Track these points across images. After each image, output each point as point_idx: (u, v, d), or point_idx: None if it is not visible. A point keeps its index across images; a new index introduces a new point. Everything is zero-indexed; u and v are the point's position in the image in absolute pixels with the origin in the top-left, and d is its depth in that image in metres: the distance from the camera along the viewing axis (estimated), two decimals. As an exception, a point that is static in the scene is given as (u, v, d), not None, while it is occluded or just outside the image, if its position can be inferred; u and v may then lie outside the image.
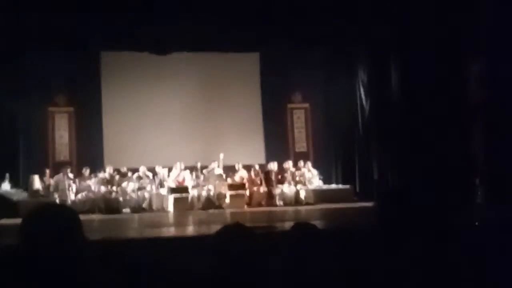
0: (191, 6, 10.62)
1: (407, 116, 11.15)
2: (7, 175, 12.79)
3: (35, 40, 12.22)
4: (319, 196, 13.22)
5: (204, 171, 13.39)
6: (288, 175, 13.56)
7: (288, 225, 8.93)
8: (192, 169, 13.41)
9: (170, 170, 13.36)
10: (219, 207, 12.69)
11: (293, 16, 11.25)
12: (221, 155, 13.49)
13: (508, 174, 8.71)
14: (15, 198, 12.14)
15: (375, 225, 2.60)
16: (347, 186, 13.77)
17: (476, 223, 5.85)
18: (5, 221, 9.93)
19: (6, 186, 12.71)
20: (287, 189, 13.26)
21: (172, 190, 12.60)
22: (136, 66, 14.73)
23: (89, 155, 14.25)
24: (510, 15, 8.44)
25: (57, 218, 1.91)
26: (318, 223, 8.88)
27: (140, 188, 12.80)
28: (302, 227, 2.75)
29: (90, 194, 12.61)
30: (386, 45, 12.44)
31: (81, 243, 1.90)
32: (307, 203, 12.95)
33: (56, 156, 14.41)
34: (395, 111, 11.99)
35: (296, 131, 15.92)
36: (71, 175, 12.82)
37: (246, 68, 15.68)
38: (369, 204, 11.70)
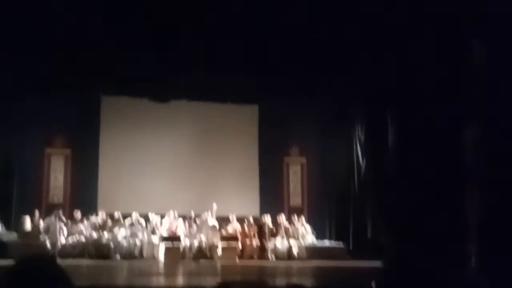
0: (192, 56, 10.78)
1: (402, 177, 11.17)
2: (-2, 215, 12.69)
3: (35, 82, 12.35)
4: (312, 252, 13.12)
5: (197, 220, 13.30)
6: (281, 229, 13.47)
7: (279, 281, 8.83)
8: (185, 217, 13.32)
9: (163, 217, 13.27)
10: (211, 258, 12.55)
11: (292, 67, 11.40)
12: (214, 205, 13.43)
13: (502, 240, 8.66)
14: (5, 238, 12.01)
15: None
16: (340, 244, 13.66)
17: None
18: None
19: (-2, 226, 12.60)
20: (280, 243, 13.16)
21: (164, 239, 12.48)
22: (135, 111, 14.81)
23: (82, 198, 14.14)
24: (507, 84, 8.58)
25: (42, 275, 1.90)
26: (309, 281, 8.79)
27: (132, 235, 12.68)
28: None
29: (81, 238, 12.48)
30: (384, 104, 12.58)
31: None
32: (300, 259, 12.83)
33: (50, 198, 14.28)
34: (390, 171, 12.02)
35: (291, 185, 15.87)
36: (63, 218, 12.70)
37: (244, 119, 15.77)
38: (362, 262, 11.63)
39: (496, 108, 9.00)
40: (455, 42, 9.67)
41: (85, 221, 12.90)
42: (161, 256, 12.34)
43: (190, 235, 12.91)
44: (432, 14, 9.28)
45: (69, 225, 12.71)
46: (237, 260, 12.53)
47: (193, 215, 13.36)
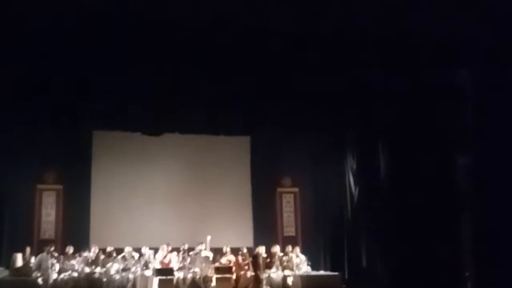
0: (184, 91, 10.86)
1: (395, 205, 11.20)
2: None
3: (26, 117, 12.33)
4: (307, 282, 12.98)
5: (191, 253, 13.21)
6: (275, 260, 13.39)
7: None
8: (179, 250, 13.23)
9: (156, 251, 13.18)
10: (205, 290, 12.44)
11: (284, 102, 11.50)
12: (208, 238, 13.36)
13: (497, 265, 8.67)
14: (-4, 276, 11.88)
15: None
16: (336, 273, 13.57)
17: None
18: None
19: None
20: (275, 274, 13.06)
21: (157, 272, 12.35)
22: (127, 146, 14.80)
23: (75, 233, 14.00)
24: (495, 111, 8.70)
25: None
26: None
27: (125, 269, 12.55)
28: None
29: (74, 274, 12.33)
30: (375, 134, 12.67)
31: None
32: (295, 289, 12.75)
33: (41, 234, 14.16)
34: (383, 199, 12.05)
35: (285, 215, 15.86)
36: (55, 254, 12.56)
37: (236, 151, 15.80)
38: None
39: (486, 136, 9.10)
40: (443, 74, 9.83)
41: (77, 256, 12.76)
42: (154, 290, 12.21)
43: (184, 268, 12.80)
44: (419, 49, 9.44)
45: (61, 261, 12.56)
46: (232, 292, 12.44)
47: (186, 247, 13.26)
